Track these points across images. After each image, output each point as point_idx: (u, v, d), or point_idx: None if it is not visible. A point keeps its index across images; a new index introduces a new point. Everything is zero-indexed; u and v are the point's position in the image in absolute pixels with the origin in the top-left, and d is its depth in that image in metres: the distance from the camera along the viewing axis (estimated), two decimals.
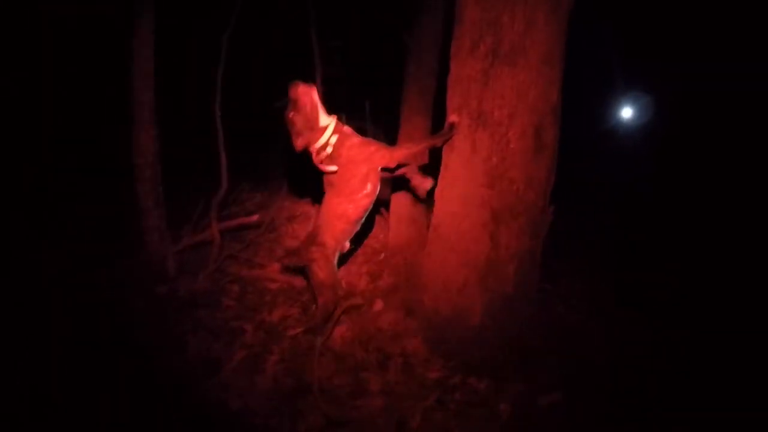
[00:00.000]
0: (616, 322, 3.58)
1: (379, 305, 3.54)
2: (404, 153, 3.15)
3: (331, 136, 3.03)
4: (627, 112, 6.49)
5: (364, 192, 3.07)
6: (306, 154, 3.11)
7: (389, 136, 4.37)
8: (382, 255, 4.21)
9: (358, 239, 3.56)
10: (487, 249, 2.96)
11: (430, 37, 3.92)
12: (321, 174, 3.14)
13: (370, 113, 4.66)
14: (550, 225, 3.22)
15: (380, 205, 4.33)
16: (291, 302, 3.65)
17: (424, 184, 3.29)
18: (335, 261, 3.22)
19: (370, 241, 4.50)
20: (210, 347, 3.18)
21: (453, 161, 3.02)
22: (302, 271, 3.40)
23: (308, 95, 3.00)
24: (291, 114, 3.00)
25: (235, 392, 2.83)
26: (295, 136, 3.03)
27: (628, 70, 6.61)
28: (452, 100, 3.00)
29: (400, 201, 4.13)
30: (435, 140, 3.11)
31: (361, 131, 3.20)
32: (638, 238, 5.12)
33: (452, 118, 2.98)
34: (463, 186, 2.98)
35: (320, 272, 3.11)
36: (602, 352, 3.30)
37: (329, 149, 3.02)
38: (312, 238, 3.16)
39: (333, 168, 3.03)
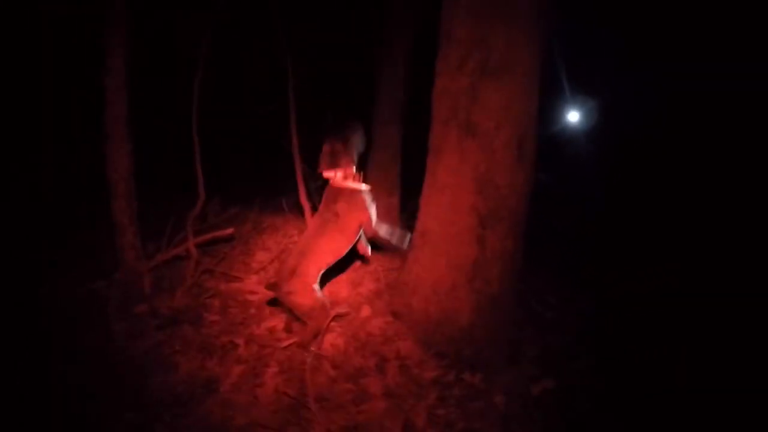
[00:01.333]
0: (586, 315, 3.88)
1: (366, 311, 3.64)
2: (377, 233, 3.58)
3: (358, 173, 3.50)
4: (573, 116, 6.84)
5: (356, 237, 3.47)
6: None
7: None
8: (358, 263, 4.29)
9: None
10: (475, 252, 3.16)
11: (401, 51, 4.08)
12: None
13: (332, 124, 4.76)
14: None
15: None
16: (277, 313, 3.67)
17: (366, 251, 3.75)
18: (317, 283, 3.33)
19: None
20: (202, 365, 3.16)
21: (441, 170, 3.20)
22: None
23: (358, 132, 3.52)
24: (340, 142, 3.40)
25: (239, 408, 2.83)
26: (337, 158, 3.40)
27: (574, 73, 7.01)
28: (439, 111, 3.18)
29: (383, 211, 4.24)
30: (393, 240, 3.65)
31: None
32: (594, 236, 5.45)
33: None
34: (451, 193, 3.16)
35: (303, 301, 3.23)
36: (580, 342, 3.60)
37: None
38: (292, 269, 3.23)
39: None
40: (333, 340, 3.36)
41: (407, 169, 4.31)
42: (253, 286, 4.01)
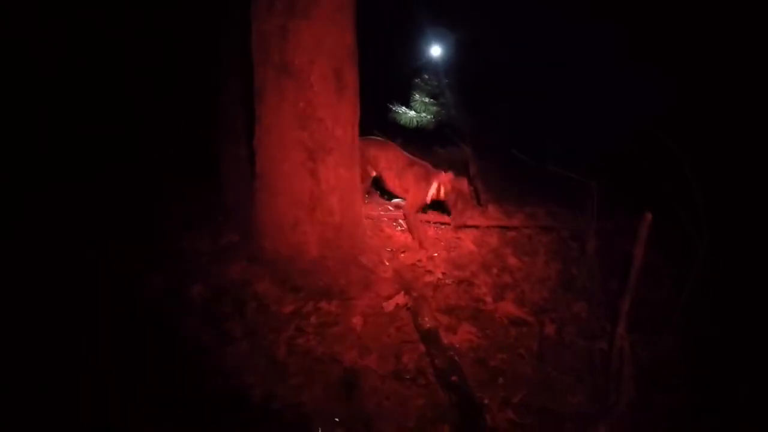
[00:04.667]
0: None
1: (225, 260, 3.69)
2: None
3: None
4: (436, 51, 6.97)
5: None
6: None
7: None
8: (219, 217, 4.33)
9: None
10: (309, 185, 3.29)
11: None
12: None
13: None
14: None
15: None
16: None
17: None
18: None
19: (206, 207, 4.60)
20: None
21: (265, 111, 3.29)
22: None
23: None
24: None
25: None
26: None
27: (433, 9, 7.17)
28: (256, 55, 3.25)
29: (233, 160, 4.28)
30: None
31: None
32: None
33: None
34: (277, 132, 3.26)
35: None
36: (430, 259, 3.85)
37: None
38: None
39: None
40: (199, 291, 3.39)
41: None
42: None
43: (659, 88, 7.50)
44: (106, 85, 5.16)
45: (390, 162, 4.45)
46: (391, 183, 4.47)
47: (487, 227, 4.68)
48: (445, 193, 4.27)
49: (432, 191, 4.25)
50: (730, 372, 3.06)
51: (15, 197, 4.07)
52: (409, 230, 4.26)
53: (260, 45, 3.19)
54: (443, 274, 3.78)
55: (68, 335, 3.00)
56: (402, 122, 5.66)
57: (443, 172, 4.28)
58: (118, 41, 4.98)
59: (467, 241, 4.28)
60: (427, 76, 5.78)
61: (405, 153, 4.52)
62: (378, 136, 4.71)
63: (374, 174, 4.64)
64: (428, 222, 4.58)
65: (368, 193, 4.99)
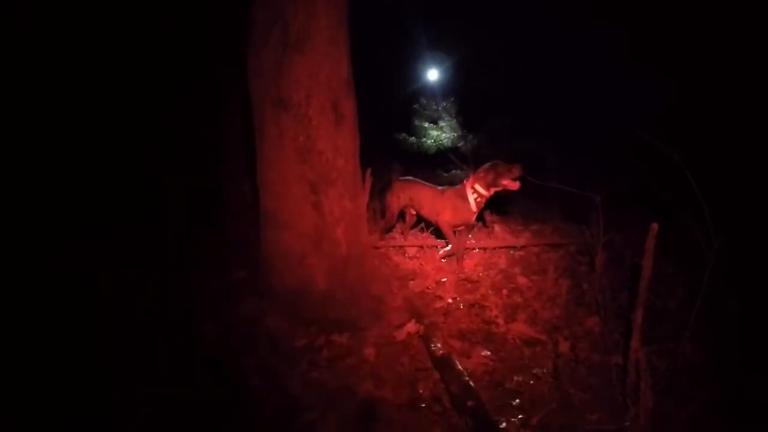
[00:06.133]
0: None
1: (234, 296, 3.68)
2: None
3: None
4: (433, 74, 7.05)
5: None
6: None
7: None
8: (225, 253, 4.34)
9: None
10: (314, 218, 3.30)
11: None
12: None
13: None
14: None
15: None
16: None
17: None
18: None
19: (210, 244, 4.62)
20: None
21: (265, 146, 3.31)
22: None
23: None
24: None
25: None
26: None
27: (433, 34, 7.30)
28: (253, 92, 3.29)
29: (236, 197, 4.31)
30: None
31: None
32: None
33: None
34: (279, 167, 3.28)
35: None
36: (439, 285, 3.83)
37: None
38: None
39: None
40: (208, 328, 3.38)
41: None
42: None
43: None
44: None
45: (425, 197, 4.49)
46: (432, 217, 4.46)
47: (495, 248, 4.69)
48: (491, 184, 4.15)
49: (474, 198, 4.18)
50: (750, 379, 3.00)
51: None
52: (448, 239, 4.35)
53: (257, 81, 3.24)
54: (453, 298, 3.78)
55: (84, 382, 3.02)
56: (403, 148, 5.71)
57: (472, 175, 4.23)
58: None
59: (474, 263, 4.28)
60: (425, 101, 5.87)
61: (433, 186, 4.56)
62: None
63: (414, 213, 4.72)
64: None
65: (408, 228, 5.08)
